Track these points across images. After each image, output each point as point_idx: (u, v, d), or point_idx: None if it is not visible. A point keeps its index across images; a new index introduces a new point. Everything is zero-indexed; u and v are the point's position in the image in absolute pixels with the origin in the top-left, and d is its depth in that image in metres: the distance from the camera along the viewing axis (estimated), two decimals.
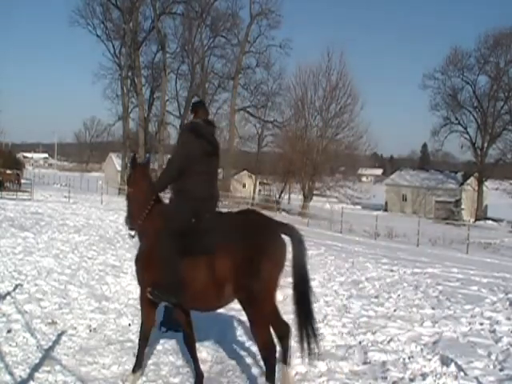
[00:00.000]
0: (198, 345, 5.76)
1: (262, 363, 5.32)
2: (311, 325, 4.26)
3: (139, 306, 6.30)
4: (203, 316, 7.04)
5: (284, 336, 4.38)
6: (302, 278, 4.22)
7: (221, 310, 7.44)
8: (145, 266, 4.46)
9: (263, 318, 4.04)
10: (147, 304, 4.57)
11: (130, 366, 4.99)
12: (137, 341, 5.51)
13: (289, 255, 4.19)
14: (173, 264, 4.12)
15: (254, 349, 5.76)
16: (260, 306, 4.01)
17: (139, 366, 4.65)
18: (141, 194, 4.62)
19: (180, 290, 4.16)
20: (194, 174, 4.31)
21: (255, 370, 5.13)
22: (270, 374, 4.06)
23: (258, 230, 4.10)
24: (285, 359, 4.39)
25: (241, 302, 4.16)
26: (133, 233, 4.76)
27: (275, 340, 4.17)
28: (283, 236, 4.13)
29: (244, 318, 7.09)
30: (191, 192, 4.30)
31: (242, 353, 5.64)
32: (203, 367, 5.11)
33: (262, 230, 4.11)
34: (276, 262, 4.03)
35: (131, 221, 4.73)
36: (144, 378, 4.73)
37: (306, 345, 4.22)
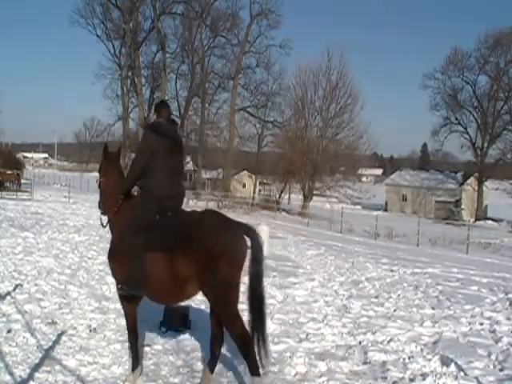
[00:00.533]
0: (198, 345, 5.78)
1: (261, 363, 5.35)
2: (262, 325, 4.37)
3: (140, 306, 6.28)
4: (203, 316, 7.04)
5: (214, 345, 4.53)
6: (257, 278, 4.33)
7: None
8: (115, 260, 4.57)
9: (232, 314, 4.17)
10: (126, 299, 4.60)
11: (130, 365, 4.99)
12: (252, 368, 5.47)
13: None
14: (137, 259, 4.22)
15: (255, 349, 5.77)
16: (225, 303, 4.18)
17: (137, 363, 4.66)
18: (112, 184, 4.73)
19: (144, 285, 4.27)
20: (156, 172, 4.41)
21: None
22: (252, 365, 4.16)
23: (220, 229, 4.22)
24: (210, 367, 4.53)
25: (208, 300, 4.30)
26: (104, 222, 4.84)
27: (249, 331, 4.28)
28: (243, 239, 4.23)
29: (245, 318, 7.10)
30: (154, 189, 4.41)
31: None
32: (203, 367, 5.11)
33: (224, 230, 4.22)
34: (236, 261, 4.16)
35: (105, 208, 4.81)
36: (144, 378, 4.73)
37: (256, 346, 4.28)
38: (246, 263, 4.31)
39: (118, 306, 7.13)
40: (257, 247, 4.28)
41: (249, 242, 4.27)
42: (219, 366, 5.15)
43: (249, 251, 4.29)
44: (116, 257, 4.53)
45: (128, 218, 4.46)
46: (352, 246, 19.95)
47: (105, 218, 4.87)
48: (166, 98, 50.78)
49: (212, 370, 4.56)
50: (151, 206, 4.40)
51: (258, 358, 4.23)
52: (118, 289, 4.54)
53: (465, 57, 53.65)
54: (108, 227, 4.83)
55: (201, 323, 6.67)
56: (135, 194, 4.84)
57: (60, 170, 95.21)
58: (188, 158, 60.61)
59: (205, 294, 4.26)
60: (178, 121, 51.64)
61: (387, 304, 8.62)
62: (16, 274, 8.53)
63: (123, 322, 6.39)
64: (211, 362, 4.56)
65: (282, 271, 11.54)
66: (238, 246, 4.19)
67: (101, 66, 53.05)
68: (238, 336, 4.16)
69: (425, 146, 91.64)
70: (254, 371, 4.17)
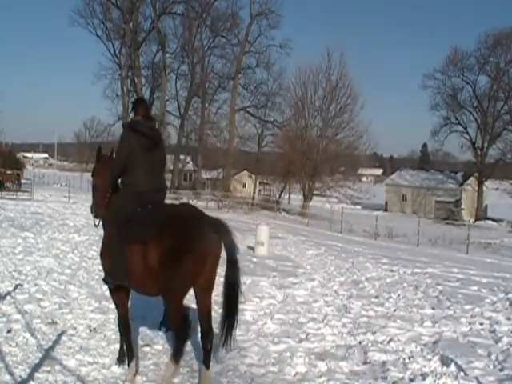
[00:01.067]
0: (198, 345, 5.78)
1: (262, 363, 5.35)
2: (233, 322, 4.53)
3: (140, 306, 6.29)
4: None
5: (205, 340, 4.57)
6: (233, 274, 4.45)
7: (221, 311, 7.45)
8: (103, 253, 4.76)
9: (177, 306, 4.33)
10: (115, 291, 4.73)
11: (124, 360, 4.98)
12: (138, 341, 5.52)
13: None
14: (119, 251, 4.40)
15: (255, 349, 5.78)
16: (174, 297, 4.31)
17: (131, 356, 4.72)
18: (104, 185, 4.81)
19: (127, 275, 4.42)
20: (136, 168, 4.56)
21: (256, 370, 5.13)
22: (175, 353, 4.36)
23: (187, 223, 4.30)
24: (206, 363, 4.56)
25: (162, 290, 4.39)
26: (96, 222, 4.91)
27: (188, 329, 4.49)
28: (212, 232, 4.30)
29: (246, 318, 7.10)
30: (134, 185, 4.57)
31: (242, 353, 5.64)
32: (199, 366, 5.11)
33: (190, 224, 4.29)
34: (198, 256, 4.20)
35: (95, 209, 4.90)
36: (144, 378, 4.73)
37: (223, 337, 4.48)
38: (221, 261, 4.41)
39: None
40: (228, 244, 4.34)
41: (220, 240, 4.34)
42: (219, 366, 5.16)
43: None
44: (103, 250, 4.74)
45: (113, 211, 4.64)
46: (352, 246, 19.95)
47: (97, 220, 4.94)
48: (166, 98, 50.97)
49: (208, 366, 4.59)
50: (132, 201, 4.55)
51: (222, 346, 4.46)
52: (104, 280, 4.71)
53: (465, 57, 53.74)
54: (101, 224, 4.92)
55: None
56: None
57: (60, 169, 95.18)
58: (188, 158, 60.74)
59: (163, 285, 4.32)
60: (175, 121, 51.72)
61: (387, 304, 8.62)
62: (16, 274, 8.53)
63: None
64: (205, 358, 4.61)
65: (282, 271, 11.54)
66: (204, 240, 4.24)
67: (101, 65, 53.21)
68: (174, 327, 4.40)
69: (425, 146, 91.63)
70: (175, 359, 4.36)
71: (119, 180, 4.80)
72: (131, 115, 4.90)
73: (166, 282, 4.23)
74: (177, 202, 5.01)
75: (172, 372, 4.40)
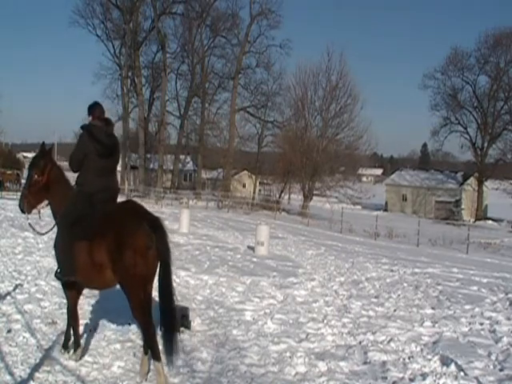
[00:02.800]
0: (198, 345, 5.79)
1: (262, 363, 5.35)
2: (170, 318, 4.58)
3: None
4: (204, 316, 7.04)
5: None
6: (165, 270, 4.53)
7: (221, 311, 7.46)
8: (55, 249, 4.95)
9: (137, 300, 4.42)
10: (67, 285, 4.94)
11: (130, 365, 5.00)
12: (138, 341, 5.53)
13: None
14: (68, 247, 4.60)
15: (255, 349, 5.78)
16: (132, 291, 4.41)
17: (78, 344, 5.02)
18: (49, 180, 4.98)
19: (75, 271, 4.62)
20: (90, 170, 4.83)
21: (256, 370, 5.13)
22: (154, 351, 4.41)
23: (126, 219, 4.48)
24: (154, 355, 4.52)
25: (120, 287, 4.54)
26: (38, 214, 5.12)
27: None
28: (147, 229, 4.42)
29: (246, 318, 7.11)
30: (87, 185, 4.83)
31: (242, 353, 5.64)
32: (203, 367, 5.12)
33: (129, 220, 4.48)
34: (138, 250, 4.33)
35: (27, 206, 5.01)
36: (143, 379, 4.73)
37: (164, 337, 4.51)
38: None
39: (118, 305, 7.14)
40: (161, 239, 4.46)
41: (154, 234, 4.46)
42: (219, 366, 5.16)
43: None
44: (55, 247, 4.95)
45: (64, 209, 4.84)
46: (352, 246, 19.95)
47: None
48: (166, 98, 50.92)
49: (157, 358, 4.57)
50: (83, 200, 4.77)
51: (167, 347, 4.48)
52: (56, 276, 4.91)
53: (465, 57, 53.65)
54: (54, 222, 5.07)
55: (201, 323, 6.68)
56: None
57: None
58: (188, 158, 60.77)
59: (118, 281, 4.49)
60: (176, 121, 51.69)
61: (387, 304, 8.62)
62: (16, 274, 8.53)
63: (123, 321, 6.41)
64: (152, 350, 4.61)
65: (282, 271, 11.55)
66: (140, 235, 4.37)
67: (101, 65, 53.13)
68: (139, 321, 4.50)
69: (425, 145, 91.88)
70: (155, 356, 4.41)
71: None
72: (89, 119, 5.01)
73: (120, 279, 4.43)
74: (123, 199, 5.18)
75: (163, 374, 4.42)
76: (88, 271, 4.52)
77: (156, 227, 4.46)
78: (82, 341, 5.56)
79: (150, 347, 4.49)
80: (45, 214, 5.36)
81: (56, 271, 4.90)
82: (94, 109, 4.98)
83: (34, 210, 5.17)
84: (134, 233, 4.36)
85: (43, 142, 5.13)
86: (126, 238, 4.32)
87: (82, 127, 4.93)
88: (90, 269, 4.49)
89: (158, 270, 4.52)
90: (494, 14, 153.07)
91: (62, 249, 4.72)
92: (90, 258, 4.45)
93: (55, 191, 4.97)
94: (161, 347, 4.50)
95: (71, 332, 5.08)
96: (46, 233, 5.35)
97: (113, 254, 4.33)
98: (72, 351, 5.01)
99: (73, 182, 5.13)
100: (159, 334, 4.63)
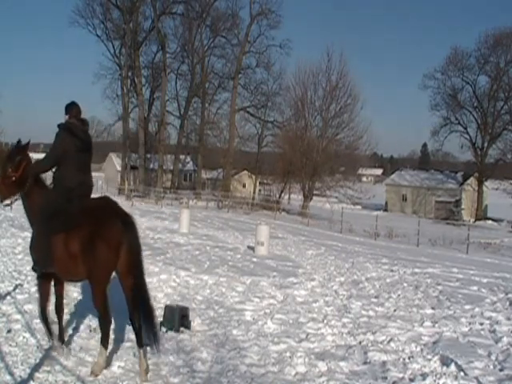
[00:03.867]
0: (198, 345, 5.79)
1: (262, 363, 5.35)
2: (143, 312, 4.76)
3: None
4: (204, 316, 7.04)
5: (133, 320, 4.81)
6: (137, 263, 4.74)
7: (221, 311, 7.46)
8: (33, 245, 5.02)
9: (99, 291, 4.65)
10: (41, 278, 5.07)
11: (130, 365, 5.00)
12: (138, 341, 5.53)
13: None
14: (45, 240, 4.76)
15: (255, 349, 5.78)
16: (95, 280, 4.64)
17: (50, 334, 5.09)
18: (23, 177, 5.03)
19: (52, 263, 4.78)
20: (67, 166, 4.99)
21: (256, 370, 5.13)
22: (103, 338, 4.75)
23: (101, 214, 4.72)
24: (138, 342, 4.78)
25: (87, 276, 4.73)
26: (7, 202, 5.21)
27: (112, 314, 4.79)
28: (118, 224, 4.65)
29: (246, 318, 7.11)
30: (65, 180, 4.99)
31: (242, 353, 5.64)
32: (203, 367, 5.12)
33: (102, 215, 4.70)
34: (109, 244, 4.57)
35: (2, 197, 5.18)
36: (144, 379, 4.73)
37: (136, 332, 4.73)
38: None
39: (118, 306, 7.15)
40: (132, 235, 4.70)
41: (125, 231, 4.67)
42: (219, 366, 5.16)
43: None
44: (33, 241, 5.04)
45: (41, 204, 4.96)
46: (352, 246, 19.95)
47: None
48: (166, 98, 50.93)
49: (140, 345, 4.77)
50: (61, 195, 4.95)
51: (148, 341, 4.74)
52: (33, 268, 5.03)
53: (465, 57, 53.62)
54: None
55: (201, 323, 6.68)
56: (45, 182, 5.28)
57: None
58: (188, 158, 60.74)
59: (85, 272, 4.68)
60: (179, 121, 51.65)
61: (387, 304, 8.62)
62: (16, 274, 8.52)
63: (123, 321, 6.41)
64: (137, 338, 4.80)
65: (282, 271, 11.55)
66: (112, 230, 4.59)
67: (101, 65, 53.06)
68: (98, 310, 4.72)
69: (425, 145, 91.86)
70: (104, 342, 4.75)
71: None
72: (66, 117, 5.15)
73: (88, 269, 4.62)
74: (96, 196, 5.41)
75: (104, 356, 4.76)
76: (65, 263, 4.72)
77: (128, 223, 4.70)
78: (83, 341, 5.58)
79: (102, 332, 4.76)
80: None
81: (33, 265, 5.02)
82: (72, 108, 5.15)
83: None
84: (107, 227, 4.59)
85: (19, 139, 5.25)
86: (100, 232, 4.55)
87: (59, 125, 5.08)
88: (67, 260, 4.69)
89: (130, 264, 4.70)
90: (494, 14, 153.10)
91: (40, 242, 4.83)
92: (66, 250, 4.66)
93: (28, 187, 5.05)
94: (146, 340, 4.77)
95: (62, 324, 5.25)
96: (10, 204, 5.35)
97: (85, 246, 4.55)
98: (60, 344, 5.11)
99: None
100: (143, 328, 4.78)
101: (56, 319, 6.00)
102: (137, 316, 4.74)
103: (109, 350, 5.35)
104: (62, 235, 4.67)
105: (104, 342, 4.76)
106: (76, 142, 4.99)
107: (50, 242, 4.72)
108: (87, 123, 5.32)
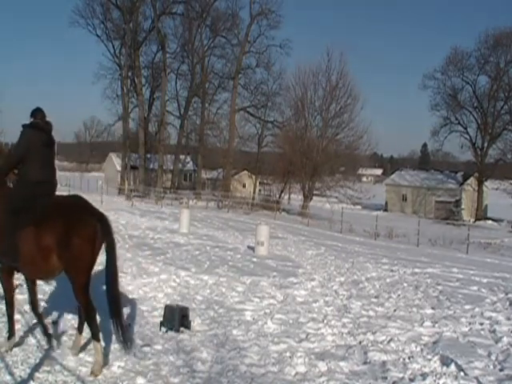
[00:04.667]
0: (198, 345, 5.79)
1: (262, 363, 5.36)
2: (117, 307, 4.98)
3: (140, 306, 6.33)
4: (204, 316, 7.04)
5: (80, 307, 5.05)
6: (111, 260, 4.89)
7: (221, 311, 7.46)
8: None
9: (81, 285, 4.79)
10: (4, 271, 5.23)
11: (130, 365, 5.00)
12: (137, 341, 5.54)
13: None
14: (11, 234, 4.82)
15: (255, 349, 5.78)
16: (76, 275, 4.77)
17: (13, 333, 5.19)
18: None
19: (17, 257, 4.86)
20: (32, 162, 5.09)
21: (256, 370, 5.13)
22: (94, 332, 4.80)
23: (77, 210, 4.88)
24: (79, 329, 5.19)
25: (65, 271, 4.82)
26: None
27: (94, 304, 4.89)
28: (94, 221, 4.82)
29: (246, 318, 7.11)
30: (29, 176, 5.09)
31: (242, 352, 5.64)
32: (203, 367, 5.12)
33: (79, 211, 4.86)
34: (85, 240, 4.71)
35: None
36: (144, 379, 4.73)
37: (115, 326, 4.90)
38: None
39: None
40: (107, 231, 4.88)
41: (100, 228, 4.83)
42: (219, 366, 5.16)
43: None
44: None
45: (5, 200, 5.03)
46: (352, 246, 19.95)
47: None
48: (166, 98, 50.91)
49: (81, 332, 5.19)
50: (26, 190, 5.05)
51: (121, 338, 4.87)
52: None
53: (465, 57, 53.62)
54: None
55: (201, 323, 6.68)
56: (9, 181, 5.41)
57: (60, 169, 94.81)
58: (188, 158, 60.73)
59: (63, 267, 4.79)
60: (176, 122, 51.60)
61: (387, 304, 8.62)
62: (16, 274, 8.50)
63: (123, 322, 6.41)
64: (79, 324, 5.21)
65: (282, 271, 11.55)
66: (89, 226, 4.75)
67: (101, 65, 53.06)
68: (83, 305, 4.87)
69: (425, 145, 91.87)
70: (95, 336, 4.81)
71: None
72: (31, 119, 5.29)
73: (66, 265, 4.73)
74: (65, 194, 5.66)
75: (100, 353, 4.81)
76: (33, 258, 4.77)
77: (102, 220, 4.86)
78: (83, 341, 5.57)
79: (90, 327, 4.83)
80: None
81: None
82: (37, 113, 5.31)
83: None
84: (83, 223, 4.73)
85: None
86: (76, 227, 4.68)
87: (24, 125, 5.21)
88: (35, 256, 4.74)
89: (106, 259, 4.88)
90: (494, 14, 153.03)
91: (5, 236, 4.87)
92: (36, 245, 4.71)
93: None
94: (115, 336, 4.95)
95: (9, 321, 5.28)
96: None
97: (61, 241, 4.64)
98: (6, 339, 5.18)
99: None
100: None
101: (56, 319, 6.01)
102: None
103: (109, 350, 5.37)
104: (31, 230, 4.73)
105: (95, 336, 4.80)
106: (42, 136, 5.17)
107: (17, 238, 4.78)
108: (51, 125, 5.47)
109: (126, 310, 6.96)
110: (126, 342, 4.90)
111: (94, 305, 4.85)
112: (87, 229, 4.72)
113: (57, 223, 4.68)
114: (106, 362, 4.89)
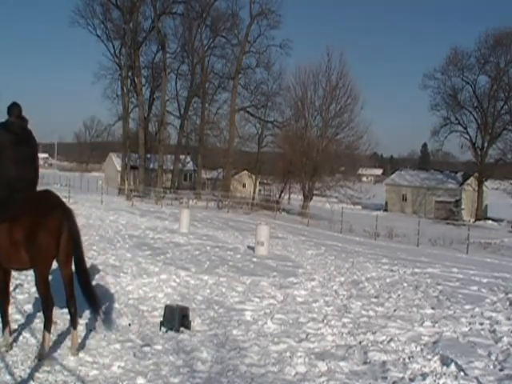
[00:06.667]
0: (198, 345, 5.79)
1: (262, 363, 5.36)
2: (88, 296, 5.19)
3: (140, 306, 6.33)
4: (204, 316, 7.04)
5: (69, 305, 5.20)
6: (78, 251, 5.11)
7: (221, 311, 7.45)
8: None
9: (42, 277, 4.96)
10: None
11: (130, 365, 5.00)
12: (137, 340, 5.54)
13: None
14: None
15: (255, 349, 5.78)
16: (38, 267, 4.93)
17: (6, 325, 5.22)
18: None
19: None
20: (6, 160, 5.20)
21: (256, 370, 5.13)
22: (47, 323, 4.95)
23: (43, 204, 5.05)
24: (73, 324, 5.23)
25: (29, 262, 4.97)
26: None
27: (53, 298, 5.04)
28: (59, 215, 4.98)
29: (246, 318, 7.11)
30: (5, 174, 5.22)
31: (242, 352, 5.64)
32: (203, 367, 5.12)
33: (45, 206, 5.04)
34: (50, 232, 4.88)
35: None
36: (144, 379, 4.73)
37: (72, 316, 5.17)
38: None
39: (118, 306, 7.16)
40: (72, 225, 5.05)
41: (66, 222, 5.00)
42: (219, 366, 5.16)
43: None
44: None
45: None
46: (352, 246, 19.95)
47: None
48: (166, 98, 50.90)
49: (75, 327, 5.21)
50: (2, 188, 5.18)
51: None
52: None
53: (465, 57, 53.68)
54: None
55: (201, 323, 6.68)
56: None
57: (60, 169, 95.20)
58: (188, 158, 60.75)
59: (29, 259, 4.94)
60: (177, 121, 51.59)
61: (387, 304, 8.62)
62: (16, 273, 8.49)
63: (123, 322, 6.42)
64: (72, 320, 5.22)
65: (282, 271, 11.55)
66: (53, 221, 4.90)
67: (101, 65, 53.08)
68: (42, 295, 4.98)
69: (425, 145, 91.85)
70: (47, 328, 4.95)
71: None
72: (6, 117, 5.38)
73: (31, 256, 4.87)
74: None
75: (48, 341, 4.98)
76: (7, 251, 4.95)
77: (68, 215, 5.04)
78: (83, 341, 5.58)
79: (45, 318, 4.96)
80: None
81: None
82: (13, 108, 5.39)
83: None
84: (49, 217, 4.89)
85: None
86: (42, 222, 4.84)
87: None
88: (8, 248, 4.92)
89: (70, 252, 5.05)
90: (494, 14, 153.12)
91: None
92: (8, 239, 4.90)
93: None
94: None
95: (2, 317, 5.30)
96: None
97: (28, 235, 4.80)
98: (1, 335, 5.22)
99: None
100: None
101: (56, 319, 6.01)
102: (73, 302, 5.14)
103: (111, 350, 5.38)
104: (5, 224, 4.89)
105: (47, 326, 4.94)
106: (12, 137, 5.26)
107: None
108: (26, 120, 5.54)
109: (126, 310, 6.98)
110: (98, 310, 5.23)
111: (52, 297, 5.01)
112: (51, 223, 4.88)
113: (25, 218, 4.85)
114: (42, 355, 4.90)
